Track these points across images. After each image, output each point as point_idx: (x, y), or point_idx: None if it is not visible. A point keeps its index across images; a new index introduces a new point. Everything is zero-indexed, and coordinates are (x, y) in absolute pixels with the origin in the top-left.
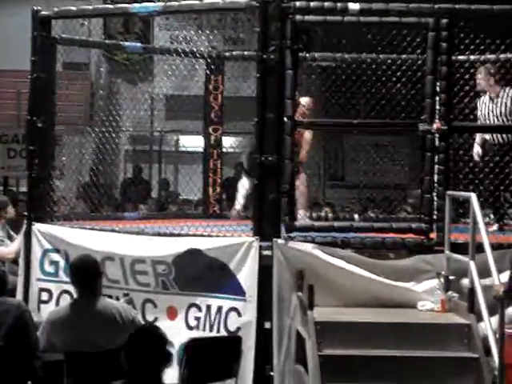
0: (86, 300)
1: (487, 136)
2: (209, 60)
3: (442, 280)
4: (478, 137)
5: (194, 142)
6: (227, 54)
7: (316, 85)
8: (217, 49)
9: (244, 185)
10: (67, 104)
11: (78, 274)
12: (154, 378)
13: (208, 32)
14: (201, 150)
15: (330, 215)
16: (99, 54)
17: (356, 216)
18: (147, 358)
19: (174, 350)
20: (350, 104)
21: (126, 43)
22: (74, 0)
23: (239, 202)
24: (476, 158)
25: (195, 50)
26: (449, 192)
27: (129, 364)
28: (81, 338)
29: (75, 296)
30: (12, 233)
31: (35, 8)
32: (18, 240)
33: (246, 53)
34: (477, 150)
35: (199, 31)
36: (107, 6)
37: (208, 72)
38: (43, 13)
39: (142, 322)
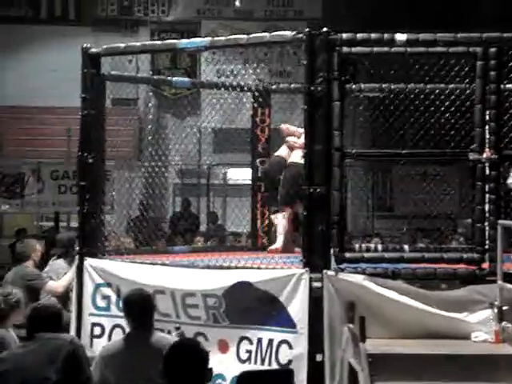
0: (140, 334)
1: None
2: (256, 93)
3: (496, 310)
4: None
5: (241, 175)
6: (274, 86)
7: (363, 116)
8: (263, 81)
9: (281, 220)
10: (117, 139)
11: (132, 308)
12: None
13: (254, 65)
14: (249, 182)
15: (380, 246)
16: (147, 90)
17: (406, 246)
18: (187, 372)
19: None
20: (398, 135)
21: (174, 78)
22: (121, 36)
23: (280, 238)
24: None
25: (242, 83)
26: (500, 221)
27: (168, 377)
28: (134, 372)
29: (127, 330)
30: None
31: (85, 45)
32: (68, 275)
33: (292, 85)
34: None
35: (245, 64)
36: (155, 42)
37: (255, 105)
38: (93, 50)
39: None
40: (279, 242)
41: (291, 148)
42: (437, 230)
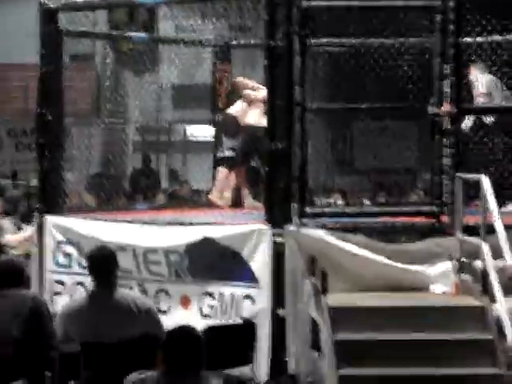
0: (103, 291)
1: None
2: (216, 48)
3: (455, 262)
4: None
5: (202, 132)
6: (234, 41)
7: (323, 70)
8: (223, 37)
9: (221, 174)
10: (74, 96)
11: (95, 265)
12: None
13: (213, 20)
14: (209, 139)
15: (340, 201)
16: (105, 46)
17: (366, 201)
18: (186, 356)
19: None
20: (359, 89)
21: (133, 33)
22: None
23: (216, 190)
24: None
25: (201, 38)
26: (459, 174)
27: (167, 361)
28: (98, 329)
29: (89, 287)
30: (25, 227)
31: (42, 1)
32: (28, 231)
33: (252, 40)
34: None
35: (204, 20)
36: None
37: (215, 60)
38: (50, 6)
39: (157, 312)
40: (214, 195)
41: (249, 102)
42: (396, 184)
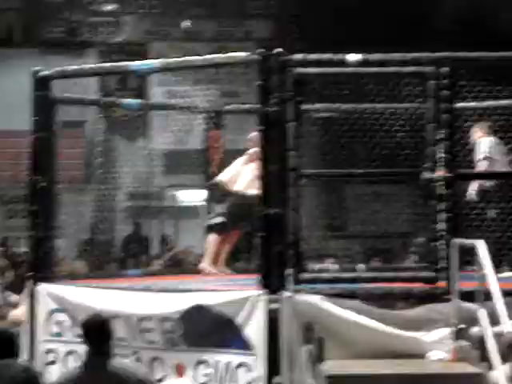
0: (98, 361)
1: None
2: (208, 114)
3: (452, 329)
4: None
5: (193, 197)
6: (226, 107)
7: (316, 135)
8: (215, 102)
9: (211, 241)
10: (64, 162)
11: (91, 334)
12: None
13: (204, 86)
14: (201, 204)
15: (334, 266)
16: (95, 112)
17: (360, 266)
18: None
19: None
20: (352, 154)
21: (124, 100)
22: (69, 58)
23: (208, 258)
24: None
25: (193, 104)
26: (455, 240)
27: None
28: None
29: (82, 356)
30: (12, 296)
31: (35, 68)
32: (24, 302)
33: (244, 106)
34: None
35: (196, 86)
36: (106, 64)
37: (208, 126)
38: (43, 73)
39: (153, 381)
40: (206, 262)
41: (252, 160)
42: (389, 250)
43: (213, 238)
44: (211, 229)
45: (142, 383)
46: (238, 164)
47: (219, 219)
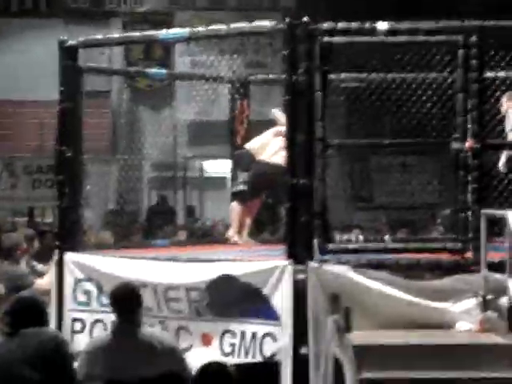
0: (127, 329)
1: None
2: (233, 84)
3: (480, 300)
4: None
5: (218, 168)
6: (252, 77)
7: (343, 105)
8: (241, 73)
9: (234, 210)
10: (91, 133)
11: (120, 303)
12: None
13: (229, 56)
14: (225, 175)
15: (361, 237)
16: (120, 82)
17: (386, 237)
18: None
19: None
20: (379, 125)
21: (151, 70)
22: (93, 28)
23: (234, 226)
24: (502, 169)
25: (218, 74)
26: (484, 210)
27: None
28: (122, 367)
29: (109, 325)
30: (38, 266)
31: (62, 38)
32: (50, 271)
33: (270, 76)
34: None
35: (221, 56)
36: (133, 33)
37: (234, 96)
38: (70, 42)
39: (181, 349)
40: (231, 231)
41: (278, 135)
42: (416, 221)
43: (236, 206)
44: (234, 196)
45: (171, 351)
46: (268, 135)
47: (242, 187)
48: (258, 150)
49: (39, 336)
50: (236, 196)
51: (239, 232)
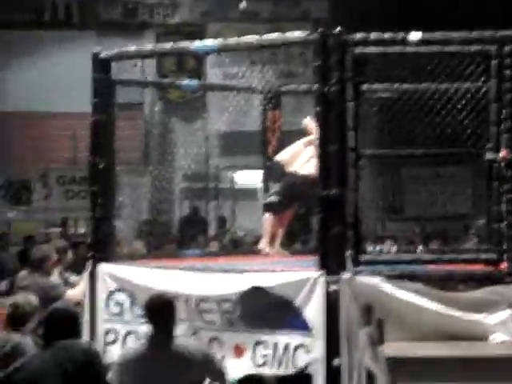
0: (161, 340)
1: None
2: (266, 95)
3: None
4: None
5: (249, 178)
6: (283, 88)
7: (375, 116)
8: (272, 83)
9: (266, 221)
10: (124, 144)
11: (155, 313)
12: None
13: (261, 67)
14: (257, 185)
15: (394, 248)
16: (153, 94)
17: (419, 248)
18: None
19: None
20: (411, 135)
21: (183, 81)
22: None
23: (266, 238)
24: None
25: (250, 85)
26: None
27: None
28: (155, 378)
29: (142, 336)
30: (71, 277)
31: (95, 50)
32: (82, 282)
33: (302, 86)
34: None
35: (252, 66)
36: (165, 45)
37: (267, 107)
38: (103, 55)
39: (215, 359)
40: (263, 242)
41: (310, 144)
42: (449, 232)
43: (268, 217)
44: (267, 207)
45: (206, 360)
46: (299, 145)
47: (274, 198)
48: (289, 160)
49: (72, 348)
50: (268, 207)
51: (271, 243)
